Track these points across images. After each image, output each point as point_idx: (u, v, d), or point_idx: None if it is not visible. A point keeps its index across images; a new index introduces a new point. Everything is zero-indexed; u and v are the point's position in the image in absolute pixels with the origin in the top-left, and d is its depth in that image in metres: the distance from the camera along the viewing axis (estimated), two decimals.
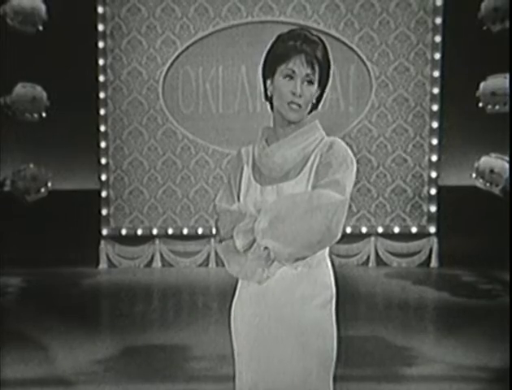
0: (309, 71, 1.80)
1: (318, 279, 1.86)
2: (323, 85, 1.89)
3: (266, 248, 1.78)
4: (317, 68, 1.82)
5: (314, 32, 1.89)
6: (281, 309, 1.83)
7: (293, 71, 1.81)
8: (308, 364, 1.82)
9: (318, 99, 1.92)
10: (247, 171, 1.94)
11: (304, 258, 1.80)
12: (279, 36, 1.87)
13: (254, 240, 1.78)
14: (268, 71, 1.88)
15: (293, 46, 1.80)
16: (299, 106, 1.82)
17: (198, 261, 7.30)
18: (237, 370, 1.94)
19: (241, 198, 1.91)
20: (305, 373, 1.82)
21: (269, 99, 1.92)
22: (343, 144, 1.87)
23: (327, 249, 1.89)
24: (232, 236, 1.83)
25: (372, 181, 7.21)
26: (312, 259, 1.83)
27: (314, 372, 1.83)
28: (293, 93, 1.81)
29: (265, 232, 1.75)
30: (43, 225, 6.84)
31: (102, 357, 4.10)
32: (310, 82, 1.82)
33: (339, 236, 1.77)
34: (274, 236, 1.74)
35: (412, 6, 7.07)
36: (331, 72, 1.89)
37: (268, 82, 1.89)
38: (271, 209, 1.76)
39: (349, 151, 1.85)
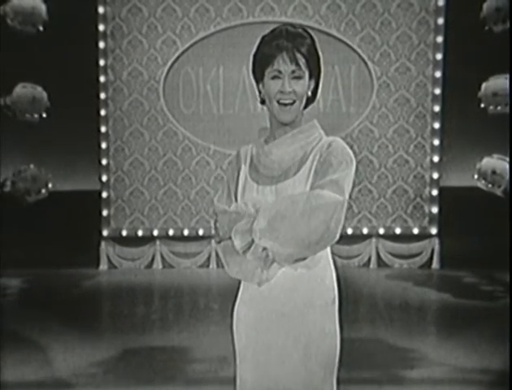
0: (294, 67, 1.78)
1: (320, 280, 1.84)
2: (315, 76, 1.86)
3: (264, 248, 1.76)
4: (303, 62, 1.79)
5: (307, 28, 1.87)
6: (283, 311, 1.82)
7: (279, 71, 1.79)
8: (310, 366, 1.81)
9: (314, 92, 1.89)
10: (244, 169, 1.93)
11: (303, 259, 1.79)
12: (263, 38, 1.85)
13: (253, 241, 1.76)
14: (258, 75, 1.87)
15: (275, 46, 1.78)
16: (292, 102, 1.80)
17: (199, 262, 7.28)
18: (239, 372, 1.93)
19: (238, 197, 1.89)
20: (307, 375, 1.81)
21: (264, 102, 1.90)
22: (342, 143, 1.84)
23: (328, 251, 1.88)
24: (230, 237, 1.81)
25: (373, 182, 7.19)
26: (311, 260, 1.81)
27: (316, 374, 1.81)
28: (282, 92, 1.79)
29: (263, 232, 1.72)
30: (43, 226, 6.82)
31: (102, 359, 4.09)
32: (298, 77, 1.79)
33: (338, 236, 1.75)
34: (272, 237, 1.72)
35: (414, 7, 7.05)
36: (321, 62, 1.86)
37: (260, 85, 1.87)
38: (269, 209, 1.74)
39: (349, 150, 1.83)
